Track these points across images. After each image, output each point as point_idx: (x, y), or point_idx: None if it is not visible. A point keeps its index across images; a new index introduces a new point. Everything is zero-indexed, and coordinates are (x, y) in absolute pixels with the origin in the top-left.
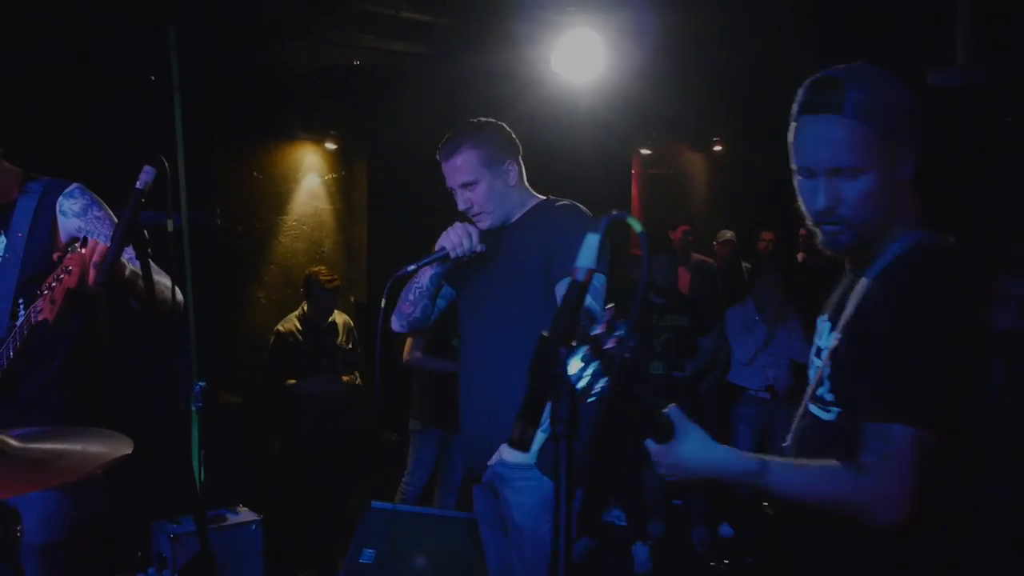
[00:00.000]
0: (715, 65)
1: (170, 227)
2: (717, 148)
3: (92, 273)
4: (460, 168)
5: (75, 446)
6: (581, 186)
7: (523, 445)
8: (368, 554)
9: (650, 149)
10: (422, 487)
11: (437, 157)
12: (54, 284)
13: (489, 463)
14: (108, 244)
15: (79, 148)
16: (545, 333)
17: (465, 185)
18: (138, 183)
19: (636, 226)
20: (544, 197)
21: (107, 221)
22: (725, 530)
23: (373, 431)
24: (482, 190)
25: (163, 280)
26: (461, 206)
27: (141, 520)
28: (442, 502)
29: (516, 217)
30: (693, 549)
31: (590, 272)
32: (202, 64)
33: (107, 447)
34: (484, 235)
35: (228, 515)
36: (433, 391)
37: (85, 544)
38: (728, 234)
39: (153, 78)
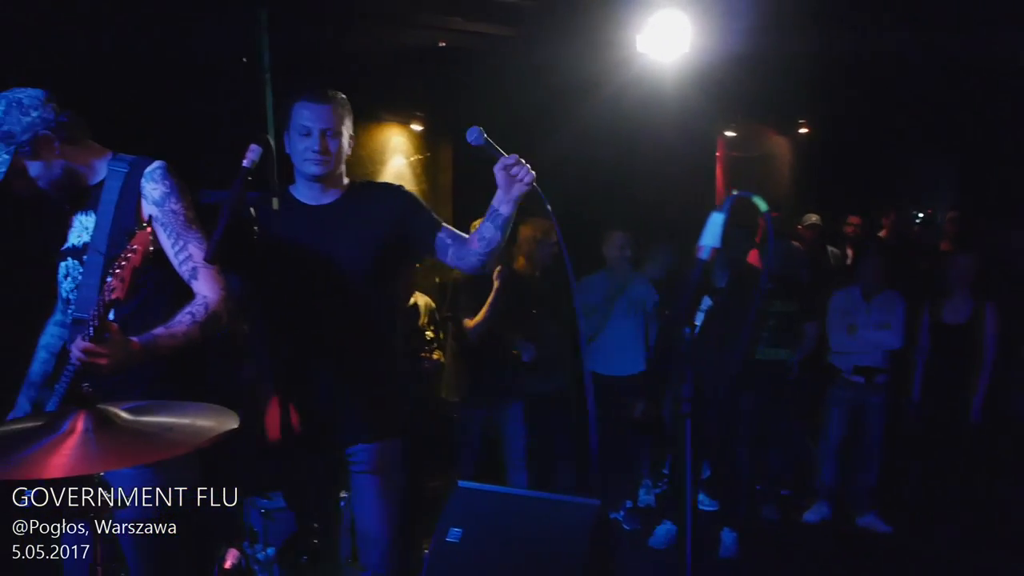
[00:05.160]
0: (802, 47)
1: (275, 205)
2: (803, 131)
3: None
4: (334, 115)
5: (183, 419)
6: (665, 168)
7: (646, 422)
8: (455, 533)
9: (735, 131)
10: (472, 464)
11: (299, 100)
12: (123, 263)
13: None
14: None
15: (172, 131)
16: (667, 312)
17: (329, 132)
18: (245, 161)
19: (762, 206)
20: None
21: (180, 216)
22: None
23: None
24: (341, 144)
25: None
26: (314, 147)
27: (233, 496)
28: (513, 481)
29: (338, 195)
30: (782, 535)
31: (714, 251)
32: (292, 46)
33: (214, 421)
34: (303, 210)
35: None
36: (478, 367)
37: (178, 521)
38: (813, 218)
39: (244, 60)
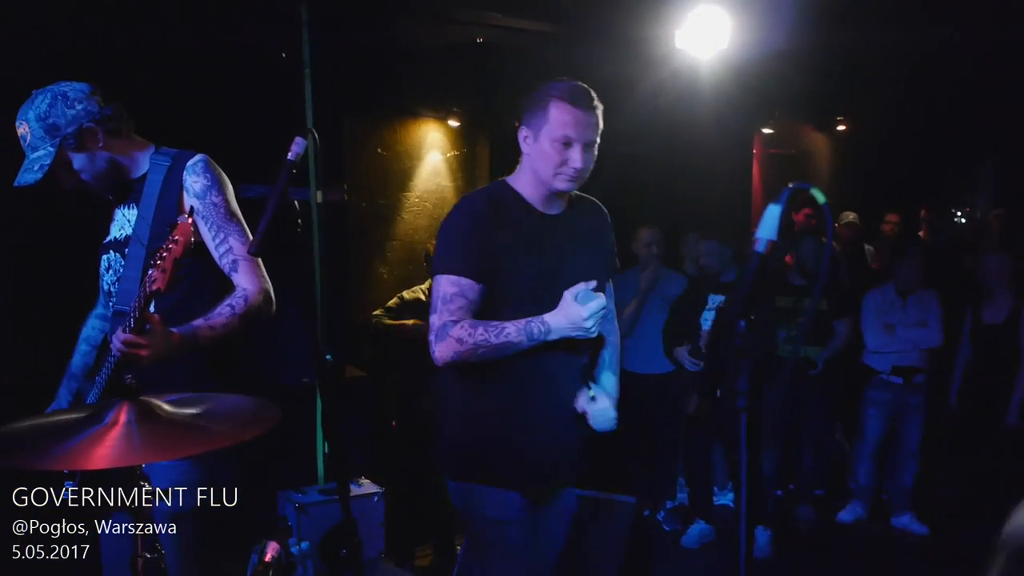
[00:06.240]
0: (841, 43)
1: (320, 198)
2: (841, 128)
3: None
4: (597, 125)
5: (226, 412)
6: (702, 165)
7: (700, 419)
8: None
9: (772, 128)
10: None
11: (559, 99)
12: (164, 254)
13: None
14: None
15: (213, 125)
16: (722, 305)
17: (590, 144)
18: (289, 155)
19: (820, 197)
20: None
21: (221, 209)
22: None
23: None
24: (593, 157)
25: (229, 319)
26: (576, 163)
27: (267, 489)
28: None
29: (564, 206)
30: (816, 534)
31: (770, 243)
32: (331, 41)
33: (257, 414)
34: (539, 219)
35: (351, 487)
36: None
37: (216, 514)
38: (850, 216)
39: (284, 55)
